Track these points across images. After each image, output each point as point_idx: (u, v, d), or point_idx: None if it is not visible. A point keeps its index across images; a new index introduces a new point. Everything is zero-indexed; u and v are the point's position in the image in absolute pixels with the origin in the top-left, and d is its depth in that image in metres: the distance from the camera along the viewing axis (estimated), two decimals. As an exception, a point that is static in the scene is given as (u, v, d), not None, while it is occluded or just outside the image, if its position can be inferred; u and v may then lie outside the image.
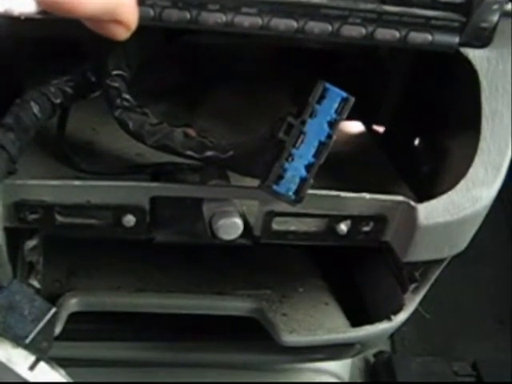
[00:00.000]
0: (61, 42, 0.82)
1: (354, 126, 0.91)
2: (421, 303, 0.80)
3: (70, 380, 0.53)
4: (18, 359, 0.52)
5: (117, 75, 0.68)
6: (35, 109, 0.65)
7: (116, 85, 0.67)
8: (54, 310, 0.57)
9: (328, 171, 0.61)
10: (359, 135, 0.90)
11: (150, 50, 0.73)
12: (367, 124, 0.92)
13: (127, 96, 0.67)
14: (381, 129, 0.92)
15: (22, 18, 0.55)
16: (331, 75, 0.81)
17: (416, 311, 0.81)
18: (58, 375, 0.53)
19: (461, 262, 0.80)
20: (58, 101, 0.68)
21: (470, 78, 0.70)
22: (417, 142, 0.84)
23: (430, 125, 0.81)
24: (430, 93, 0.80)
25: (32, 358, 0.53)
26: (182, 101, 0.88)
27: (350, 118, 0.60)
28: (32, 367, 0.52)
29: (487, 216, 0.71)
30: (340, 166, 0.77)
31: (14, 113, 0.64)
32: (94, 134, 0.81)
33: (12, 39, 0.71)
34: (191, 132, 0.67)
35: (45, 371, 0.53)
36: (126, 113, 0.66)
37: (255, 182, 0.63)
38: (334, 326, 0.80)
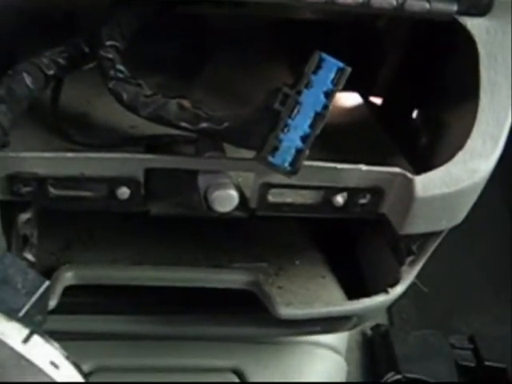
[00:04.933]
0: (53, 13, 0.81)
1: (351, 98, 0.91)
2: (418, 276, 0.80)
3: (64, 353, 0.53)
4: (12, 332, 0.52)
5: (110, 46, 0.67)
6: (28, 80, 0.65)
7: (110, 56, 0.66)
8: (47, 283, 0.56)
9: (324, 143, 0.61)
10: (356, 107, 0.90)
11: (144, 19, 0.72)
12: (364, 95, 0.91)
13: (121, 67, 0.66)
14: (378, 100, 0.91)
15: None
16: (328, 46, 0.80)
17: (413, 284, 0.81)
18: (52, 348, 0.53)
19: (458, 236, 0.79)
20: (51, 72, 0.67)
21: (468, 48, 0.69)
22: (414, 113, 0.84)
23: (428, 96, 0.80)
24: (427, 63, 0.79)
25: (26, 332, 0.52)
26: (177, 72, 0.87)
27: (346, 89, 0.59)
28: (25, 340, 0.52)
29: (484, 189, 0.71)
30: (336, 138, 0.76)
31: (5, 84, 0.64)
32: (88, 106, 0.80)
33: (4, 11, 0.70)
34: (186, 103, 0.66)
35: (39, 344, 0.52)
36: (120, 84, 0.65)
37: (251, 154, 0.62)
38: (330, 299, 0.80)
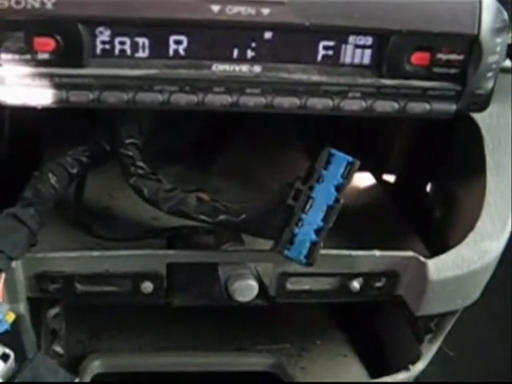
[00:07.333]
0: (75, 111, 0.85)
1: (364, 178, 0.93)
2: (445, 341, 0.80)
3: None
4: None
5: (130, 144, 0.70)
6: (53, 180, 0.67)
7: (130, 153, 0.69)
8: (76, 380, 0.59)
9: (339, 226, 0.62)
10: (369, 187, 0.92)
11: (161, 116, 0.75)
12: (376, 175, 0.93)
13: (141, 163, 0.68)
14: (391, 178, 0.93)
15: (39, 108, 0.58)
16: (339, 129, 0.83)
17: (440, 349, 0.81)
18: None
19: (485, 299, 0.80)
20: (75, 171, 0.70)
21: (472, 132, 0.71)
22: (427, 190, 0.85)
23: (438, 175, 0.82)
24: (436, 145, 0.81)
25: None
26: (195, 160, 0.90)
27: (359, 169, 0.61)
28: None
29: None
30: (351, 220, 0.78)
31: (32, 186, 0.67)
32: (111, 200, 0.83)
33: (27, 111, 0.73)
34: (204, 196, 0.69)
35: None
36: (141, 180, 0.68)
37: (268, 242, 0.64)
38: (352, 379, 0.81)
